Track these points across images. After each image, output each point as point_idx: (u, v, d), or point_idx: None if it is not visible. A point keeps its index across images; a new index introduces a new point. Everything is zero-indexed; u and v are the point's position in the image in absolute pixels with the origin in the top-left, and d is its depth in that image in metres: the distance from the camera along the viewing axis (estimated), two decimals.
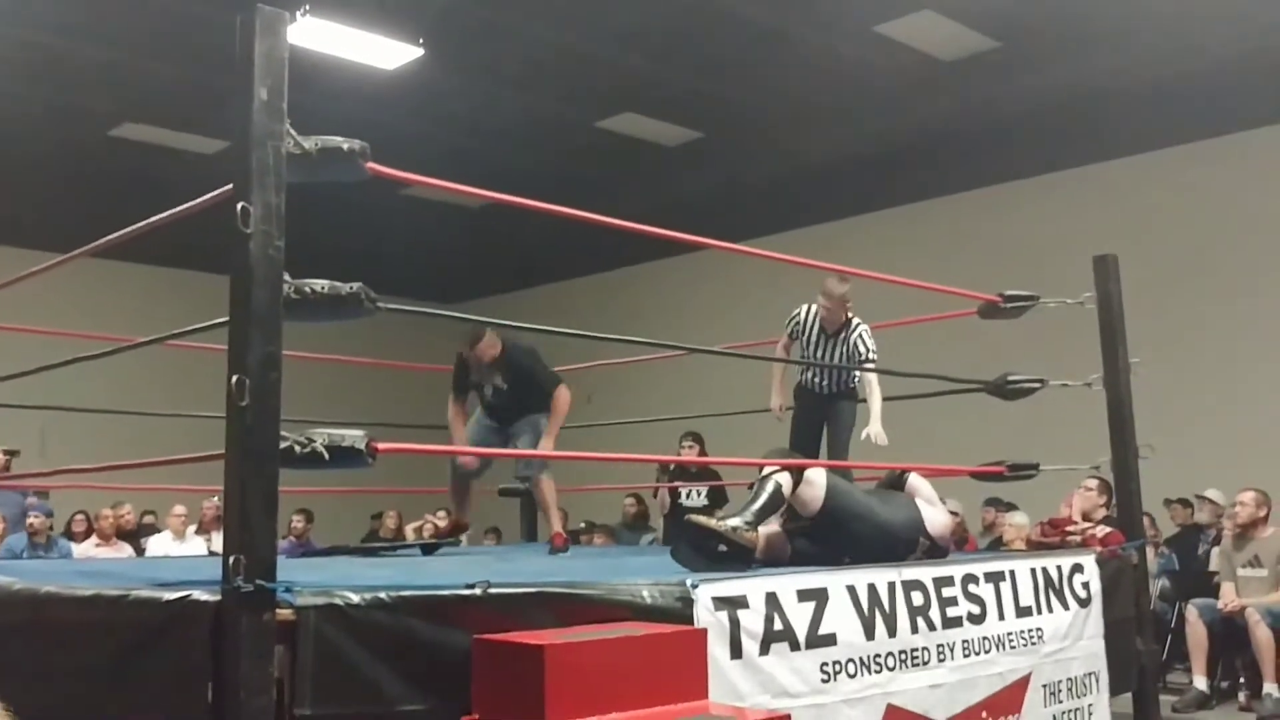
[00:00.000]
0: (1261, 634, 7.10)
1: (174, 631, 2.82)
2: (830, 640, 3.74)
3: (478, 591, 3.04)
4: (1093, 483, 6.70)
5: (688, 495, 8.92)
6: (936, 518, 4.87)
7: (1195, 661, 7.52)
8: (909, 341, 7.76)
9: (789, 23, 9.03)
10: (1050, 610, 4.76)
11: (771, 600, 3.61)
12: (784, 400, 6.61)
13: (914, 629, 4.06)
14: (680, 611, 3.36)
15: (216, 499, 9.29)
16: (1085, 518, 6.63)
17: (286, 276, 2.90)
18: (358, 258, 8.30)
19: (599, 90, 10.43)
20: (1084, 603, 4.96)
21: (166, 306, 9.40)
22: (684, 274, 14.09)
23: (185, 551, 9.44)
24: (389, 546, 6.94)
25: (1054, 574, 4.86)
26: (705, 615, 3.39)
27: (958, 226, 12.20)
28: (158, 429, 8.07)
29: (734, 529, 4.25)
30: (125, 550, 9.54)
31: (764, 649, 3.52)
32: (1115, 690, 5.12)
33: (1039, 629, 4.66)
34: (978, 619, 4.36)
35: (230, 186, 2.92)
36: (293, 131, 2.97)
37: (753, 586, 3.61)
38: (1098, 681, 4.94)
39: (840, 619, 3.80)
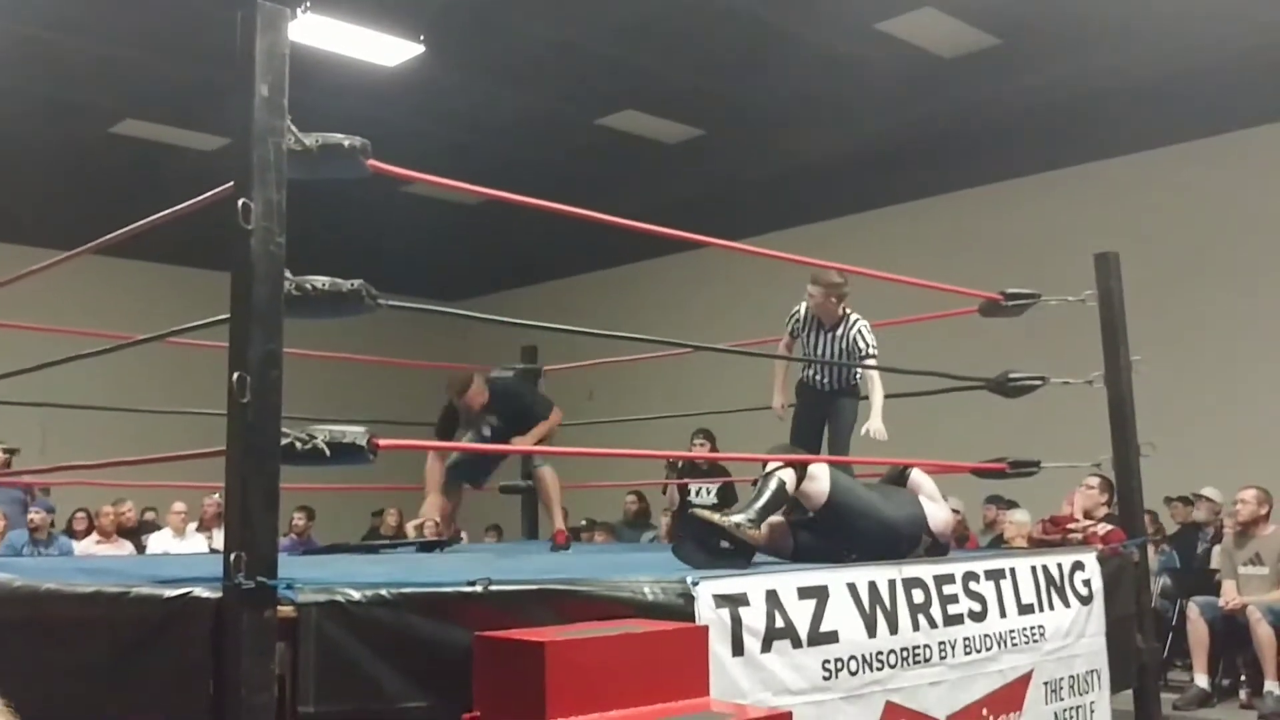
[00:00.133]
0: (1262, 632, 7.10)
1: (175, 628, 2.82)
2: (831, 638, 3.74)
3: (479, 589, 3.03)
4: (1094, 480, 6.70)
5: (697, 493, 8.87)
6: (939, 514, 4.87)
7: (1196, 659, 7.52)
8: (911, 339, 7.75)
9: (790, 20, 9.02)
10: (1051, 608, 4.75)
11: (772, 598, 3.60)
12: (786, 399, 6.60)
13: (915, 626, 4.06)
14: (681, 609, 3.36)
15: (217, 496, 9.29)
16: (1087, 515, 6.63)
17: (287, 273, 2.90)
18: (358, 254, 8.29)
19: (599, 87, 10.43)
20: (1085, 600, 4.95)
21: (167, 303, 9.41)
22: (684, 272, 14.09)
23: (186, 549, 9.44)
24: (390, 545, 6.93)
25: (1055, 572, 4.86)
26: (706, 613, 3.39)
27: (959, 224, 12.20)
28: (158, 426, 8.09)
29: (737, 525, 4.25)
30: (126, 547, 9.54)
31: (765, 646, 3.52)
32: (1116, 688, 5.12)
33: (1040, 626, 4.65)
34: (979, 616, 4.36)
35: (231, 183, 2.92)
36: (293, 128, 2.97)
37: (754, 584, 3.60)
38: (1099, 679, 4.94)
39: (841, 616, 3.80)
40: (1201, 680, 7.44)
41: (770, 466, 4.60)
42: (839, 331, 6.26)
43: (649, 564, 4.36)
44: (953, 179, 12.05)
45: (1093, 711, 4.86)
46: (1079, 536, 6.13)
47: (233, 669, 2.64)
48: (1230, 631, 7.46)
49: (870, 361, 6.17)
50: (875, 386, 6.12)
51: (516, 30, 9.23)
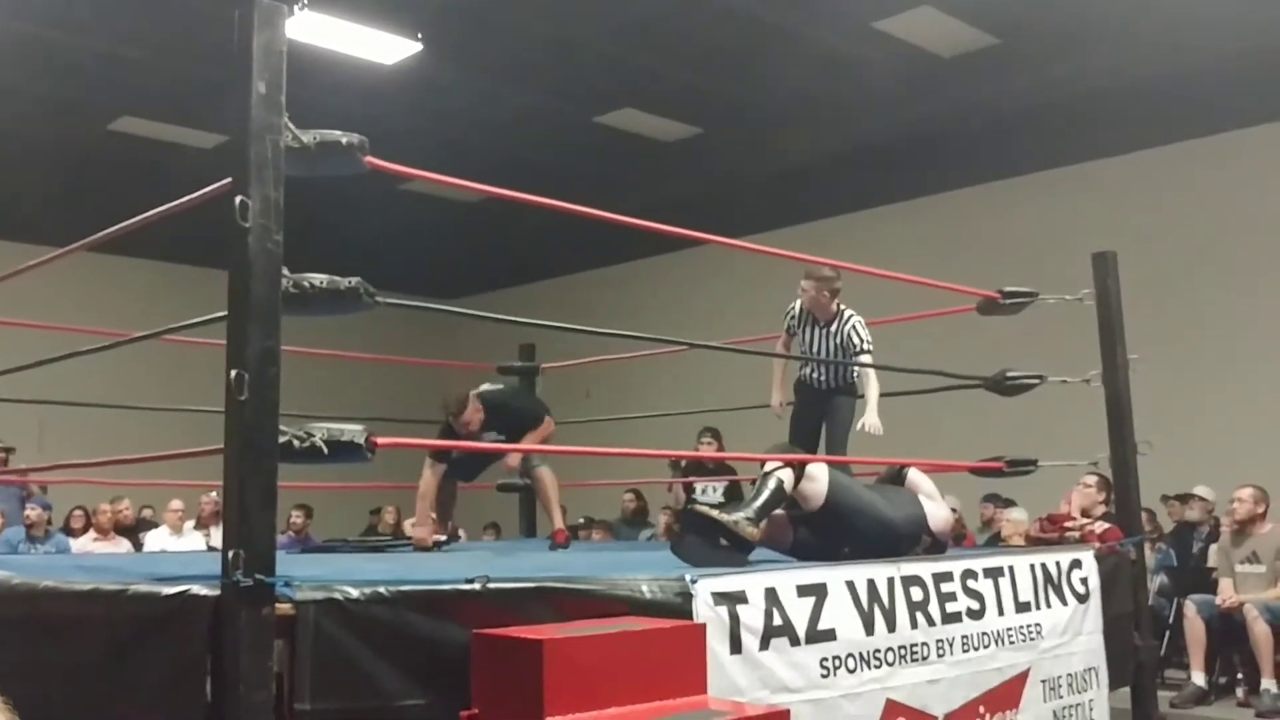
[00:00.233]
0: (1259, 630, 7.10)
1: (173, 626, 2.81)
2: (829, 635, 3.74)
3: (477, 586, 3.03)
4: (1091, 479, 6.70)
5: (704, 491, 8.82)
6: (938, 513, 4.87)
7: (1193, 657, 7.52)
8: (908, 338, 7.77)
9: (788, 19, 9.02)
10: (1049, 606, 4.76)
11: (771, 595, 3.60)
12: (784, 397, 6.60)
13: (913, 624, 4.06)
14: (679, 606, 3.35)
15: (215, 494, 9.29)
16: (1084, 514, 6.63)
17: (285, 271, 2.90)
18: (355, 252, 8.29)
19: (597, 86, 10.43)
20: (1082, 598, 4.96)
21: (165, 301, 9.40)
22: (682, 270, 14.09)
23: (183, 546, 9.44)
24: (390, 544, 6.94)
25: (1053, 570, 4.86)
26: (704, 610, 3.39)
27: (957, 223, 12.20)
28: (156, 424, 8.07)
29: (735, 522, 4.25)
30: (123, 545, 9.54)
31: (763, 644, 3.52)
32: (1113, 685, 5.13)
33: (1038, 624, 4.66)
34: (977, 614, 4.36)
35: (229, 180, 2.92)
36: (291, 125, 2.97)
37: (752, 582, 3.60)
38: (1097, 677, 4.95)
39: (839, 614, 3.80)
40: (1198, 678, 7.44)
41: (769, 466, 4.60)
42: (833, 327, 6.27)
43: (647, 562, 4.35)
44: (951, 178, 12.05)
45: (1091, 709, 4.87)
46: (1076, 535, 6.13)
47: (231, 666, 2.64)
48: (1227, 629, 7.46)
49: (866, 357, 6.17)
50: (870, 382, 6.13)
51: (515, 28, 9.23)
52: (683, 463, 8.96)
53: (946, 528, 4.96)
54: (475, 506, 8.89)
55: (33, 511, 8.82)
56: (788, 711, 3.14)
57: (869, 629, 3.89)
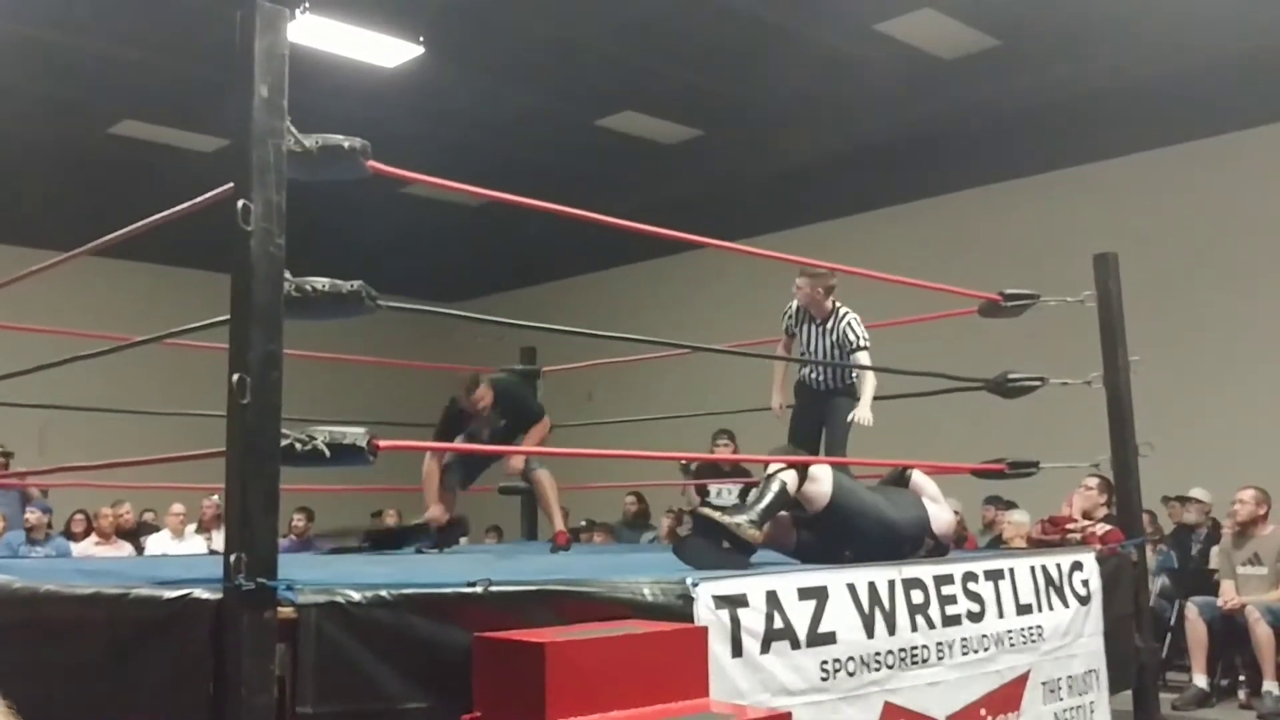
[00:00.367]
0: (1261, 632, 7.10)
1: (175, 630, 2.82)
2: (830, 638, 3.74)
3: (479, 589, 3.04)
4: (1093, 481, 6.70)
5: (718, 494, 8.75)
6: (941, 516, 4.88)
7: (1195, 659, 7.52)
8: (909, 340, 7.75)
9: (789, 21, 9.03)
10: (1050, 608, 4.76)
11: (772, 599, 3.61)
12: (784, 399, 6.61)
13: (914, 627, 4.06)
14: (681, 610, 3.36)
15: (216, 497, 9.29)
16: (1086, 516, 6.62)
17: (287, 274, 2.90)
18: (357, 256, 8.31)
19: (598, 88, 10.43)
20: (1084, 600, 4.96)
21: (167, 305, 9.40)
22: (683, 272, 14.09)
23: (185, 550, 9.44)
24: (404, 530, 6.87)
25: (1054, 572, 4.86)
26: (706, 613, 3.39)
27: (957, 225, 12.20)
28: (157, 427, 8.07)
29: (737, 525, 4.26)
30: (125, 549, 9.54)
31: (764, 647, 3.52)
32: (1115, 688, 5.12)
33: (1039, 627, 4.66)
34: (977, 617, 4.36)
35: (231, 184, 2.92)
36: (293, 129, 2.97)
37: (753, 585, 3.61)
38: (1098, 679, 4.95)
39: (840, 617, 3.80)
40: (1200, 680, 7.44)
41: (772, 468, 4.60)
42: (829, 324, 6.29)
43: (648, 565, 4.36)
44: (951, 180, 12.05)
45: (1092, 712, 4.87)
46: (1077, 537, 6.13)
47: (233, 670, 2.64)
48: (1229, 631, 7.46)
49: (863, 354, 6.18)
50: (867, 377, 6.15)
51: (516, 31, 9.24)
52: (692, 465, 8.90)
53: (949, 530, 4.97)
54: (477, 509, 8.88)
55: (32, 515, 8.82)
56: (789, 714, 3.14)
57: (870, 632, 3.89)
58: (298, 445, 2.90)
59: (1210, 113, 10.14)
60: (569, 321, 5.25)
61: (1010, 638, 4.50)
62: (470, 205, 12.78)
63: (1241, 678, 7.62)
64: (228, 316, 2.86)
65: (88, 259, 4.68)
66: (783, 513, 4.60)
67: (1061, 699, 4.71)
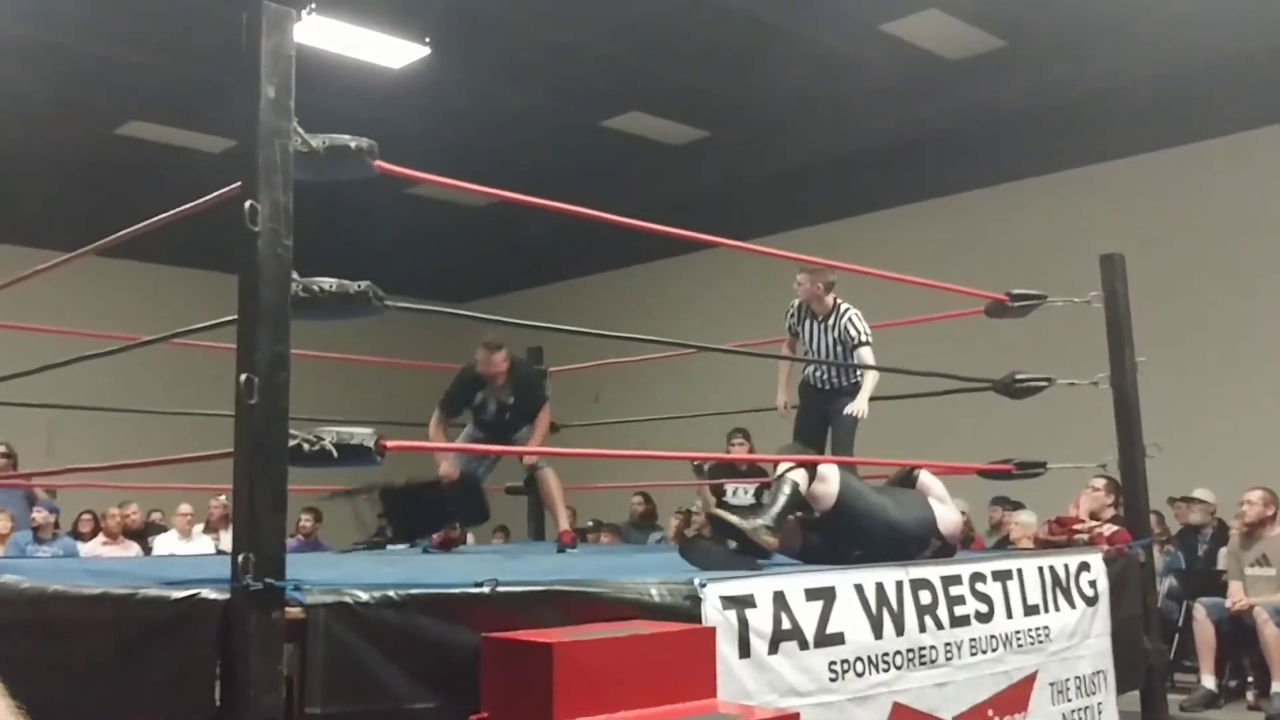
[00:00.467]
0: (1270, 633, 7.08)
1: (183, 630, 2.82)
2: (838, 639, 3.74)
3: (486, 590, 3.04)
4: (1100, 482, 6.68)
5: (734, 493, 8.70)
6: (948, 516, 4.87)
7: (1203, 660, 7.50)
8: (914, 341, 7.75)
9: (795, 22, 9.02)
10: (1057, 609, 4.75)
11: (779, 599, 3.61)
12: (789, 398, 6.61)
13: (921, 628, 4.06)
14: (688, 610, 3.36)
15: (224, 498, 9.29)
16: (1093, 517, 6.61)
17: (295, 275, 2.90)
18: (363, 256, 8.29)
19: (605, 89, 10.44)
20: (1091, 601, 4.95)
21: (174, 305, 9.41)
22: (689, 273, 14.09)
23: (192, 550, 9.44)
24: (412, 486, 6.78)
25: (1061, 572, 4.85)
26: (713, 614, 3.39)
27: (963, 226, 12.19)
28: (164, 428, 8.08)
29: (754, 530, 4.26)
30: (132, 549, 9.55)
31: (772, 648, 3.52)
32: (1122, 689, 5.11)
33: (1046, 627, 4.65)
34: (985, 618, 4.36)
35: (238, 185, 2.92)
36: (300, 129, 2.97)
37: (761, 586, 3.61)
38: (1105, 680, 4.94)
39: (848, 618, 3.80)
40: (1208, 681, 7.42)
41: (781, 468, 4.61)
42: (830, 321, 6.31)
43: (656, 565, 4.35)
44: (956, 181, 12.03)
45: (1100, 713, 4.86)
46: (1085, 537, 6.11)
47: (241, 670, 2.65)
48: (1237, 633, 7.43)
49: (865, 349, 6.19)
50: (869, 372, 6.17)
51: (522, 32, 9.24)
52: (705, 465, 8.86)
53: (956, 530, 4.97)
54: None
55: (39, 515, 8.83)
56: (797, 715, 3.14)
57: (877, 632, 3.88)
58: (305, 445, 2.90)
59: (1214, 113, 10.12)
60: (575, 322, 5.25)
61: (1018, 638, 4.49)
62: (477, 205, 12.79)
63: (1250, 679, 7.60)
64: (235, 317, 2.87)
65: (95, 259, 4.70)
66: (790, 517, 4.61)
67: (1069, 700, 4.70)
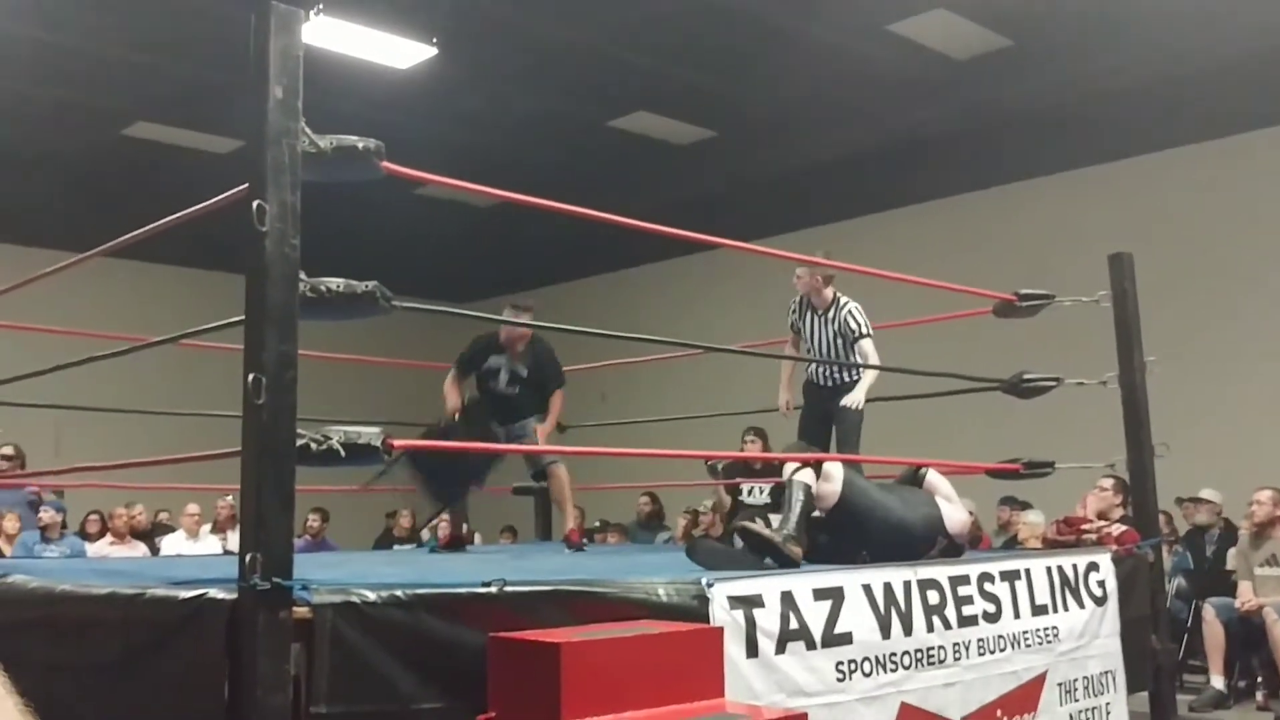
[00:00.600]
0: (1279, 633, 7.06)
1: (190, 629, 2.82)
2: (846, 639, 3.73)
3: (494, 590, 3.04)
4: (1108, 482, 6.67)
5: (749, 492, 8.69)
6: (955, 515, 4.87)
7: (1212, 661, 7.48)
8: (922, 341, 7.74)
9: (802, 22, 9.02)
10: (1066, 609, 4.74)
11: (787, 599, 3.60)
12: (790, 397, 6.63)
13: (929, 628, 4.05)
14: (696, 610, 3.35)
15: (231, 498, 9.31)
16: (1101, 517, 6.60)
17: (302, 275, 2.90)
18: (369, 256, 8.29)
19: (611, 89, 10.44)
20: (1100, 601, 4.94)
21: (182, 306, 9.42)
22: (697, 273, 14.09)
23: (199, 550, 9.46)
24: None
25: (1069, 572, 4.84)
26: (721, 614, 3.39)
27: (969, 225, 12.17)
28: (171, 428, 8.10)
29: (783, 540, 4.27)
30: (140, 549, 9.57)
31: (780, 648, 3.51)
32: (1131, 689, 5.10)
33: (1054, 627, 4.64)
34: (993, 617, 4.35)
35: (246, 185, 2.92)
36: (308, 130, 2.97)
37: (768, 585, 3.60)
38: (1114, 680, 4.92)
39: (856, 618, 3.79)
40: (1217, 682, 7.41)
41: (788, 469, 4.61)
42: (830, 314, 6.33)
43: (663, 565, 4.36)
44: (963, 180, 12.02)
45: (1109, 713, 4.84)
46: (1093, 537, 6.10)
47: (248, 670, 2.65)
48: (1246, 633, 7.42)
49: (866, 342, 6.20)
50: (869, 362, 6.18)
51: (528, 33, 9.24)
52: (719, 465, 8.84)
53: (963, 530, 4.96)
54: (491, 509, 8.91)
55: (46, 514, 8.85)
56: (804, 715, 3.13)
57: (885, 632, 3.88)
58: (313, 445, 2.90)
59: (1221, 113, 10.10)
60: (581, 322, 5.26)
61: (1026, 638, 4.48)
62: (483, 206, 12.80)
63: (1259, 679, 7.57)
64: (243, 317, 2.87)
65: (102, 260, 4.70)
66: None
67: (1078, 700, 4.69)
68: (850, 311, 6.29)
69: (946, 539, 4.77)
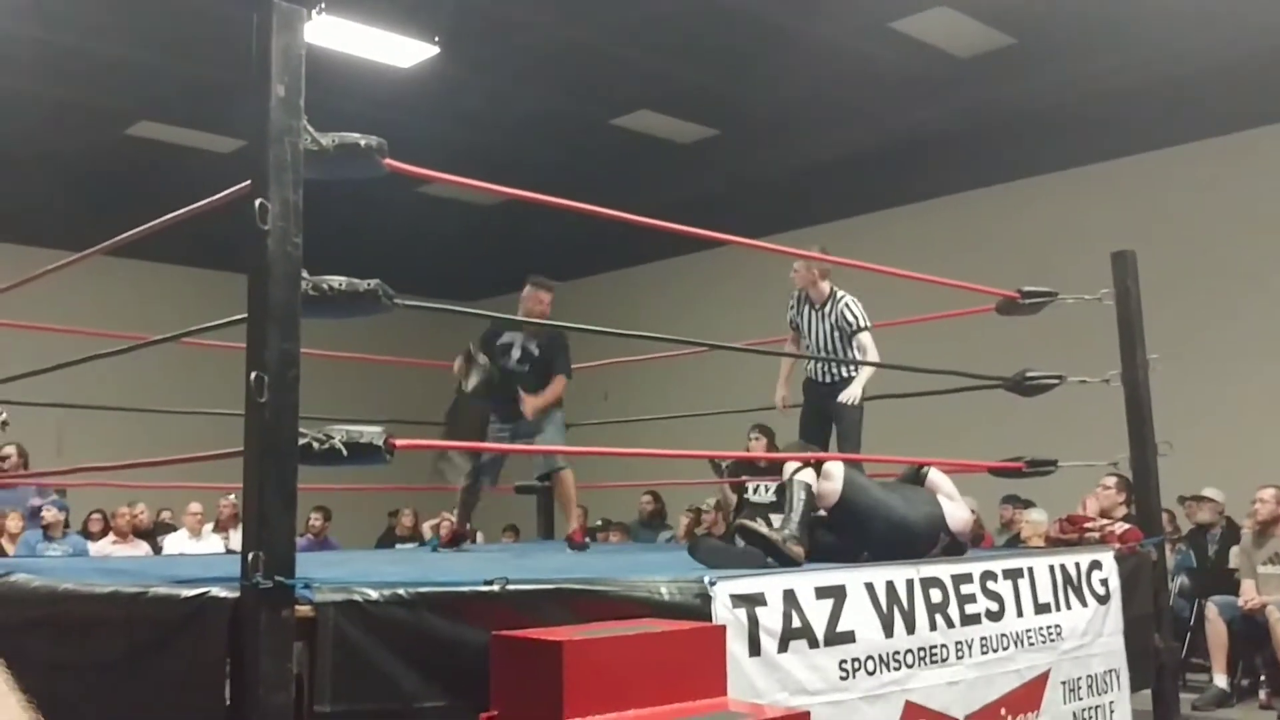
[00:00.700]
0: None
1: (193, 628, 2.82)
2: (849, 638, 3.73)
3: (496, 588, 3.03)
4: (1111, 480, 6.67)
5: (755, 490, 8.65)
6: (957, 513, 4.86)
7: (1215, 659, 7.48)
8: (923, 339, 7.74)
9: (805, 20, 9.01)
10: (1069, 607, 4.73)
11: (789, 598, 3.60)
12: (787, 394, 6.64)
13: (932, 626, 4.05)
14: (698, 608, 3.35)
15: (233, 496, 9.31)
16: (1104, 515, 6.59)
17: (304, 273, 2.90)
18: (372, 254, 8.28)
19: (614, 88, 10.43)
20: (1103, 599, 4.93)
21: (184, 304, 9.42)
22: (700, 271, 14.08)
23: (202, 549, 9.46)
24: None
25: (1072, 571, 4.84)
26: (723, 612, 3.38)
27: (972, 223, 12.17)
28: (173, 427, 8.11)
29: (783, 541, 4.27)
30: (142, 548, 9.57)
31: (782, 646, 3.51)
32: (1134, 687, 5.09)
33: (1058, 626, 4.63)
34: (996, 616, 4.35)
35: (248, 183, 2.92)
36: (310, 128, 2.97)
37: (771, 584, 3.60)
38: (1118, 679, 4.92)
39: (859, 616, 3.79)
40: (1220, 680, 7.40)
41: (789, 469, 4.61)
42: (827, 308, 6.35)
43: (665, 564, 4.35)
44: (966, 178, 12.02)
45: (1112, 711, 4.84)
46: (1096, 536, 6.10)
47: (250, 668, 2.65)
48: (1249, 631, 7.41)
49: (864, 334, 6.20)
50: (869, 357, 6.18)
51: (531, 31, 9.23)
52: (724, 463, 8.83)
53: (965, 528, 4.95)
54: (494, 509, 8.91)
55: (48, 512, 8.86)
56: (807, 714, 3.13)
57: (888, 631, 3.87)
58: (315, 444, 2.90)
59: (1224, 110, 10.09)
60: (584, 320, 5.25)
61: (1029, 637, 4.48)
62: (486, 204, 12.79)
63: (1262, 678, 7.57)
64: (245, 315, 2.87)
65: (104, 259, 4.71)
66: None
67: (1081, 698, 4.69)
68: (847, 304, 6.30)
69: (949, 537, 4.77)
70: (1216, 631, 7.47)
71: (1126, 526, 5.95)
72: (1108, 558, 5.08)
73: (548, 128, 11.20)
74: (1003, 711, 4.26)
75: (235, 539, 9.06)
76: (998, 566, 4.49)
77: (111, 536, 9.66)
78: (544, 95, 10.50)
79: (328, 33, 8.48)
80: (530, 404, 6.28)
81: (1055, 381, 5.68)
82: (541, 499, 7.69)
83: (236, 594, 2.74)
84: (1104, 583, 4.97)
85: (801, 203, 12.44)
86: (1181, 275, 10.26)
